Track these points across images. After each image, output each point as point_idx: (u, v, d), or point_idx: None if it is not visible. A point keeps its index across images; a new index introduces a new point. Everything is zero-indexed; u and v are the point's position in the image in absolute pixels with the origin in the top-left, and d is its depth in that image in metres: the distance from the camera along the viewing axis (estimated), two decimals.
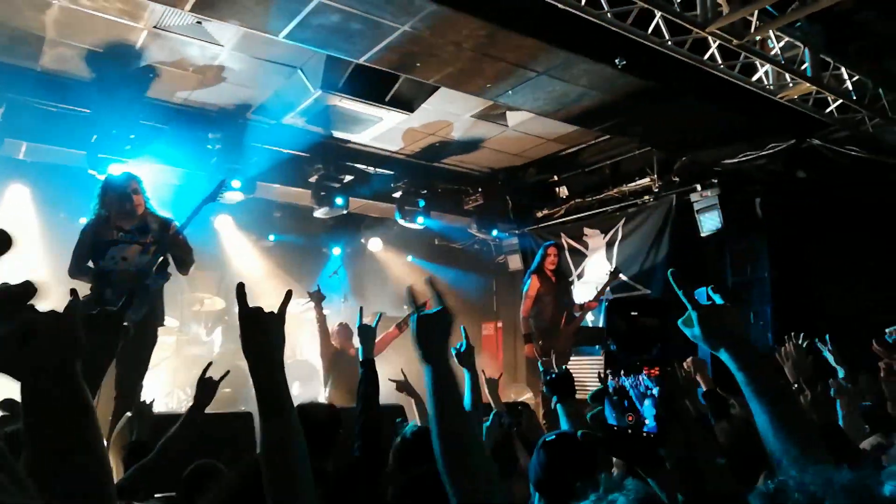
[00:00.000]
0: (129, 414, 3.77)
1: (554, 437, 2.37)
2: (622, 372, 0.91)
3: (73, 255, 4.81)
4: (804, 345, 3.24)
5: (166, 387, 7.54)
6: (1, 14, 5.24)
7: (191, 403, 3.03)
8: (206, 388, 3.03)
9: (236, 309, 1.57)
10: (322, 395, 7.51)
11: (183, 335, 8.13)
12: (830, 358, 3.59)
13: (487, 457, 1.48)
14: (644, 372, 0.91)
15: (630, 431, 0.90)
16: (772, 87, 5.19)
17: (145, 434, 3.12)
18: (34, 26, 5.44)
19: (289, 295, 1.69)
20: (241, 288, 1.60)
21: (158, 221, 4.98)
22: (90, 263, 4.80)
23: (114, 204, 4.82)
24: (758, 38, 4.82)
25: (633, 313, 0.95)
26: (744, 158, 6.91)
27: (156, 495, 2.71)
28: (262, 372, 1.51)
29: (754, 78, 5.14)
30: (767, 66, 5.10)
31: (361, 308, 2.65)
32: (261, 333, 1.53)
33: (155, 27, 5.40)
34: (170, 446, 2.75)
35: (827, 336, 3.62)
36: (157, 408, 6.52)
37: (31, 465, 0.99)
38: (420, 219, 8.84)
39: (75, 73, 6.24)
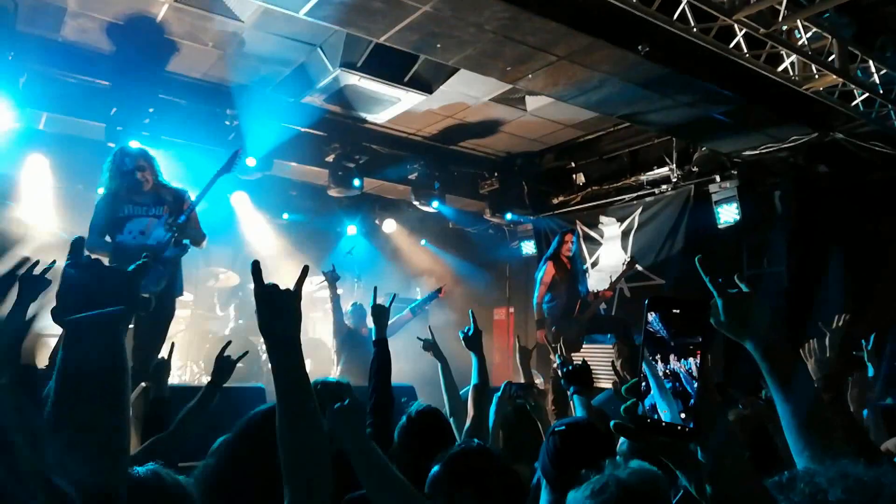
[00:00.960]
0: (143, 384, 3.82)
1: (565, 426, 2.37)
2: (671, 357, 0.89)
3: (89, 229, 4.84)
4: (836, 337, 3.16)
5: (180, 360, 7.63)
6: None
7: (205, 378, 3.06)
8: (223, 366, 3.05)
9: (251, 285, 1.56)
10: (333, 374, 7.56)
11: (197, 309, 8.20)
12: (865, 356, 3.57)
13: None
14: (694, 358, 0.89)
15: (664, 424, 0.88)
16: (797, 78, 5.10)
17: (165, 391, 3.15)
18: None
19: (305, 271, 1.67)
20: (256, 265, 1.58)
21: (172, 193, 5.01)
22: (108, 238, 4.84)
23: (123, 179, 4.85)
24: (785, 27, 4.73)
25: (675, 311, 0.93)
26: (764, 150, 6.82)
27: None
28: (279, 348, 1.50)
29: (780, 68, 5.06)
30: (794, 57, 5.01)
31: (376, 288, 2.66)
32: (277, 310, 1.53)
33: (176, 1, 5.39)
34: (187, 421, 2.78)
35: (872, 336, 3.59)
36: (171, 380, 6.60)
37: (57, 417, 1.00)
38: (435, 202, 8.82)
39: (96, 46, 6.25)
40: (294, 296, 1.55)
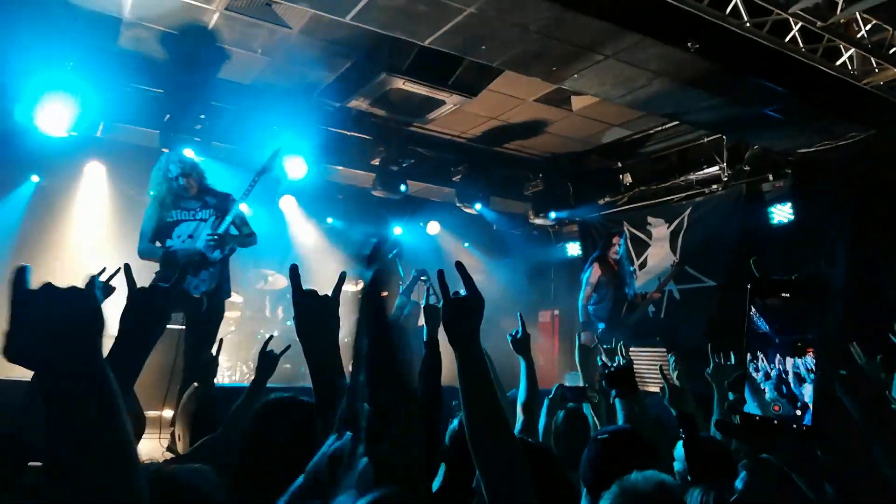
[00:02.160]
0: (195, 384, 3.90)
1: (608, 434, 2.32)
2: (777, 355, 0.83)
3: (139, 235, 4.98)
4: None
5: (229, 360, 7.79)
6: None
7: (252, 378, 3.10)
8: (266, 362, 3.08)
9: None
10: None
11: (247, 310, 8.36)
12: None
13: (516, 445, 1.46)
14: (808, 355, 0.83)
15: (776, 422, 0.82)
16: (856, 73, 4.93)
17: (211, 389, 3.19)
18: (112, 8, 5.64)
19: (342, 277, 1.68)
20: (294, 270, 1.59)
21: (217, 196, 5.13)
22: (157, 244, 4.97)
23: (169, 185, 4.98)
24: (843, 20, 4.58)
25: (784, 294, 0.86)
26: (821, 148, 6.60)
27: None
28: (317, 354, 1.51)
29: (838, 63, 4.89)
30: (852, 51, 4.84)
31: (428, 288, 2.65)
32: (315, 316, 1.53)
33: (226, 9, 5.51)
34: (234, 422, 2.82)
35: None
36: (221, 381, 6.74)
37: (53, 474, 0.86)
38: (478, 204, 8.81)
39: (151, 54, 6.44)
40: (333, 301, 1.56)
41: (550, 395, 2.97)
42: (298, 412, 1.82)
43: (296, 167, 7.22)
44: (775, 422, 0.80)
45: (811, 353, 0.81)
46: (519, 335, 3.10)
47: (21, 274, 0.91)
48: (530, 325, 10.70)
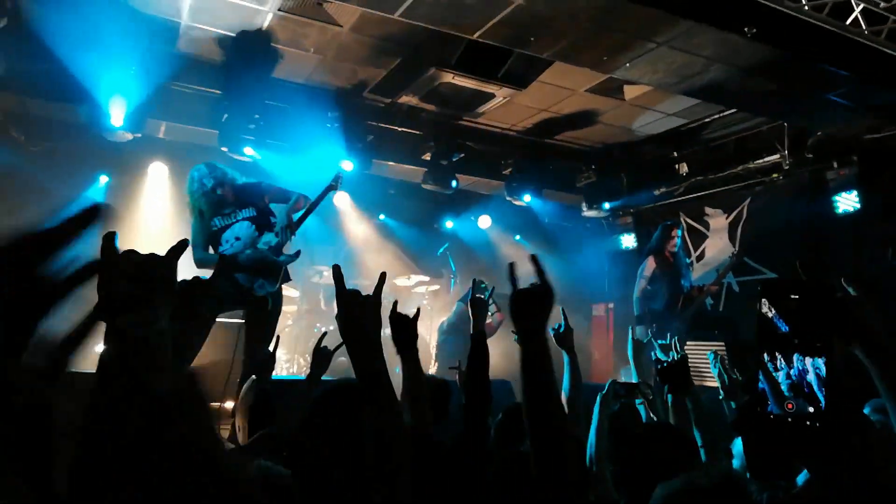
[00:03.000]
0: (254, 377, 4.03)
1: (644, 429, 2.29)
2: (796, 355, 0.81)
3: (192, 247, 5.12)
4: None
5: (287, 353, 7.99)
6: (142, 2, 5.66)
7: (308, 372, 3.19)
8: (320, 357, 3.17)
9: (352, 282, 1.61)
10: (431, 368, 7.69)
11: (304, 305, 8.56)
12: None
13: (576, 441, 1.48)
14: (819, 356, 0.82)
15: (790, 420, 0.81)
16: None
17: (268, 383, 3.29)
18: (171, 13, 5.83)
19: (383, 277, 1.71)
20: (337, 270, 1.62)
21: (249, 190, 5.23)
22: (210, 251, 5.11)
23: (206, 198, 5.10)
24: None
25: (793, 297, 0.84)
26: (888, 133, 6.31)
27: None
28: (361, 354, 1.55)
29: None
30: None
31: (474, 280, 2.66)
32: (358, 316, 1.56)
33: (279, 10, 5.63)
34: (291, 415, 2.90)
35: None
36: (279, 373, 6.91)
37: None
38: (527, 196, 8.76)
39: (208, 56, 6.64)
40: (374, 301, 1.59)
41: (603, 392, 2.93)
42: (350, 394, 1.87)
43: (347, 168, 7.36)
44: (789, 420, 0.79)
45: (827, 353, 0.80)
46: (562, 329, 3.09)
47: (110, 238, 1.00)
48: (584, 319, 10.60)
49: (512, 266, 1.65)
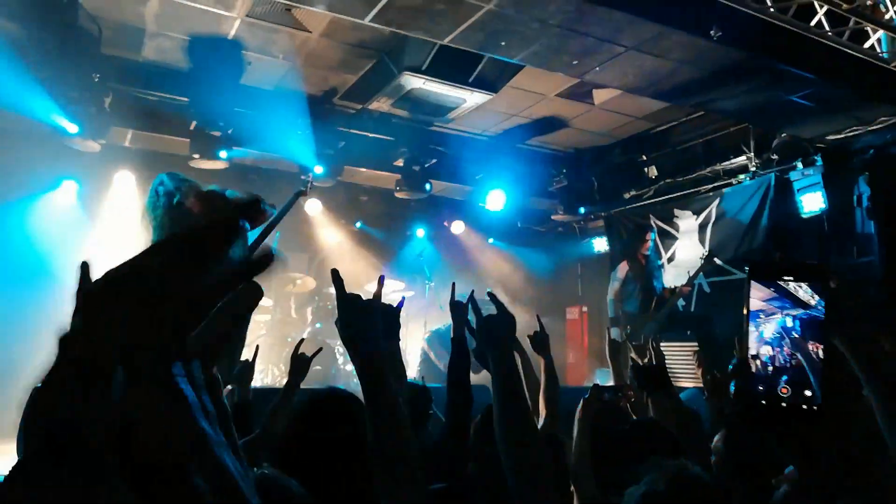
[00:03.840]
0: (229, 387, 3.95)
1: (628, 424, 2.32)
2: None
3: None
4: None
5: (261, 363, 7.87)
6: (104, 8, 5.55)
7: (285, 380, 3.14)
8: (298, 364, 3.12)
9: (329, 289, 1.59)
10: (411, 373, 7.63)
11: (276, 314, 8.45)
12: None
13: (545, 458, 1.49)
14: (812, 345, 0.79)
15: (785, 405, 0.78)
16: (885, 55, 4.81)
17: (248, 394, 3.24)
18: (135, 19, 5.74)
19: (381, 281, 1.70)
20: (336, 274, 1.60)
21: (212, 199, 5.12)
22: None
23: (174, 212, 4.98)
24: (869, 2, 4.48)
25: (786, 278, 0.81)
26: (850, 134, 6.46)
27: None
28: (363, 357, 1.52)
29: (865, 45, 4.78)
30: (880, 33, 4.73)
31: (454, 284, 2.65)
32: (359, 320, 1.54)
33: (247, 16, 5.58)
34: (270, 425, 2.84)
35: None
36: (253, 384, 6.77)
37: None
38: (502, 201, 8.78)
39: (174, 63, 6.55)
40: (375, 305, 1.58)
41: (587, 395, 2.95)
42: (342, 403, 1.83)
43: (317, 171, 7.30)
44: (784, 405, 0.77)
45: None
46: (538, 335, 3.12)
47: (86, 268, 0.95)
48: (558, 322, 10.61)
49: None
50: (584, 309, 10.70)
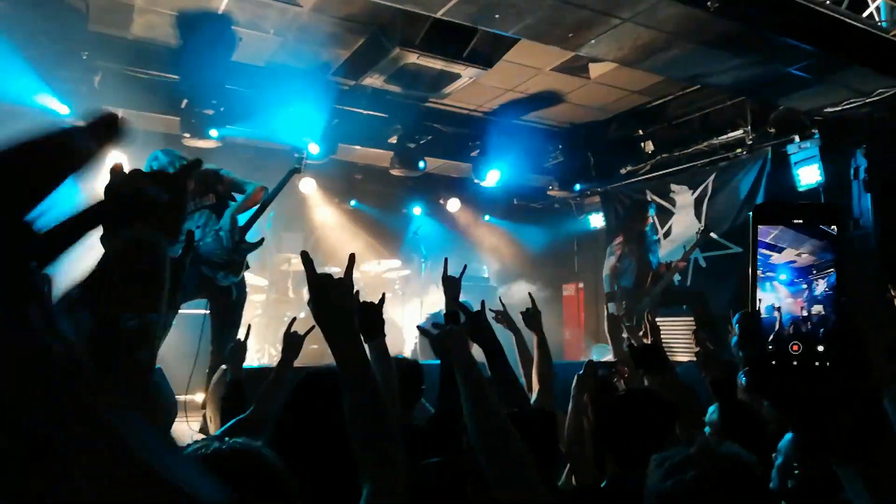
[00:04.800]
0: (223, 367, 3.94)
1: (623, 393, 2.32)
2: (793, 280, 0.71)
3: None
4: None
5: (257, 343, 7.87)
6: None
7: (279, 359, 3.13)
8: (291, 343, 3.11)
9: (323, 268, 1.58)
10: (406, 351, 7.65)
11: (272, 294, 8.43)
12: None
13: (523, 449, 1.49)
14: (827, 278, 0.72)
15: (795, 364, 0.71)
16: (885, 24, 4.75)
17: (240, 373, 3.23)
18: None
19: (352, 259, 1.69)
20: (305, 256, 1.60)
21: (209, 180, 5.12)
22: None
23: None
24: None
25: (796, 221, 0.72)
26: (847, 106, 6.40)
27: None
28: (337, 338, 1.51)
29: (864, 14, 4.72)
30: (879, 1, 4.66)
31: (446, 259, 2.64)
32: (331, 301, 1.53)
33: None
34: (264, 401, 2.84)
35: None
36: (250, 363, 6.78)
37: None
38: (497, 178, 8.73)
39: (164, 41, 6.44)
40: (347, 284, 1.56)
41: (581, 372, 2.95)
42: (334, 382, 1.83)
43: (312, 151, 7.23)
44: (795, 363, 0.70)
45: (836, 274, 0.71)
46: (530, 312, 3.13)
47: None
48: (555, 299, 10.62)
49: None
50: (581, 285, 10.71)
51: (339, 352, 1.51)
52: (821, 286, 0.71)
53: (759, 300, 0.72)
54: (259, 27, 6.18)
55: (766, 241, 0.73)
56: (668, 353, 6.30)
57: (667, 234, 8.68)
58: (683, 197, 8.52)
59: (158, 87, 6.75)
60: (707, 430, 2.72)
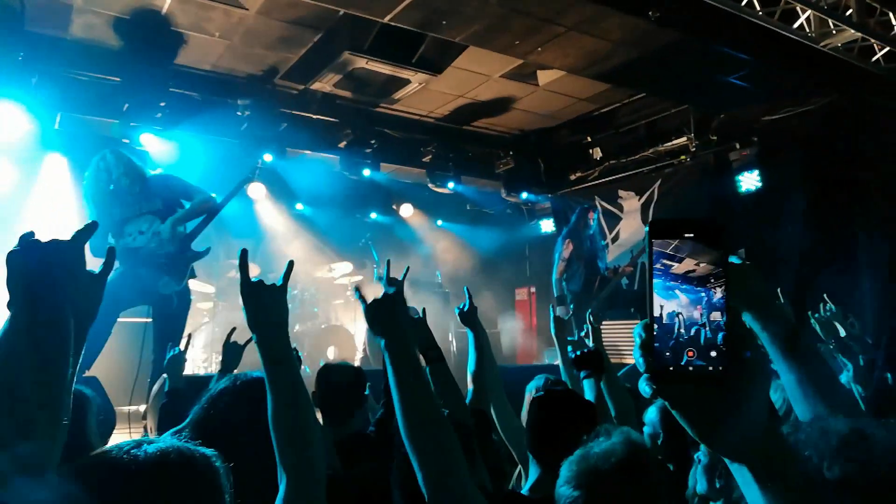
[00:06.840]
0: (164, 375, 3.85)
1: (543, 392, 2.36)
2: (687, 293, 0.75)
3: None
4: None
5: (204, 352, 7.71)
6: None
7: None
8: (230, 352, 3.08)
9: (272, 274, 1.57)
10: (356, 360, 7.60)
11: (220, 301, 8.27)
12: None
13: (451, 434, 1.48)
14: (716, 291, 0.76)
15: (691, 369, 0.73)
16: (813, 35, 4.95)
17: (180, 382, 3.18)
18: None
19: (290, 265, 1.69)
20: (244, 256, 1.59)
21: (156, 185, 5.02)
22: (111, 240, 4.83)
23: (109, 187, 4.84)
24: None
25: (687, 235, 0.75)
26: (784, 114, 6.65)
27: None
28: (267, 344, 1.50)
29: (795, 25, 4.91)
30: (809, 13, 4.85)
31: (388, 261, 2.64)
32: (263, 306, 1.53)
33: None
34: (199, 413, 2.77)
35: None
36: (196, 372, 6.66)
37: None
38: (450, 184, 8.77)
39: (104, 41, 6.27)
40: (280, 291, 1.55)
41: (538, 384, 2.99)
42: (253, 389, 1.80)
43: (266, 159, 7.16)
44: (690, 369, 0.74)
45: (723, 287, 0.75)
46: (466, 308, 3.10)
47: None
48: (507, 304, 10.64)
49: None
50: (533, 290, 10.81)
51: (268, 356, 1.50)
52: (718, 293, 0.75)
53: (662, 307, 0.75)
54: (203, 29, 6.07)
55: (667, 251, 0.76)
56: (616, 355, 6.40)
57: (615, 239, 8.84)
58: (630, 202, 8.70)
59: (99, 90, 6.56)
60: (646, 428, 2.79)
